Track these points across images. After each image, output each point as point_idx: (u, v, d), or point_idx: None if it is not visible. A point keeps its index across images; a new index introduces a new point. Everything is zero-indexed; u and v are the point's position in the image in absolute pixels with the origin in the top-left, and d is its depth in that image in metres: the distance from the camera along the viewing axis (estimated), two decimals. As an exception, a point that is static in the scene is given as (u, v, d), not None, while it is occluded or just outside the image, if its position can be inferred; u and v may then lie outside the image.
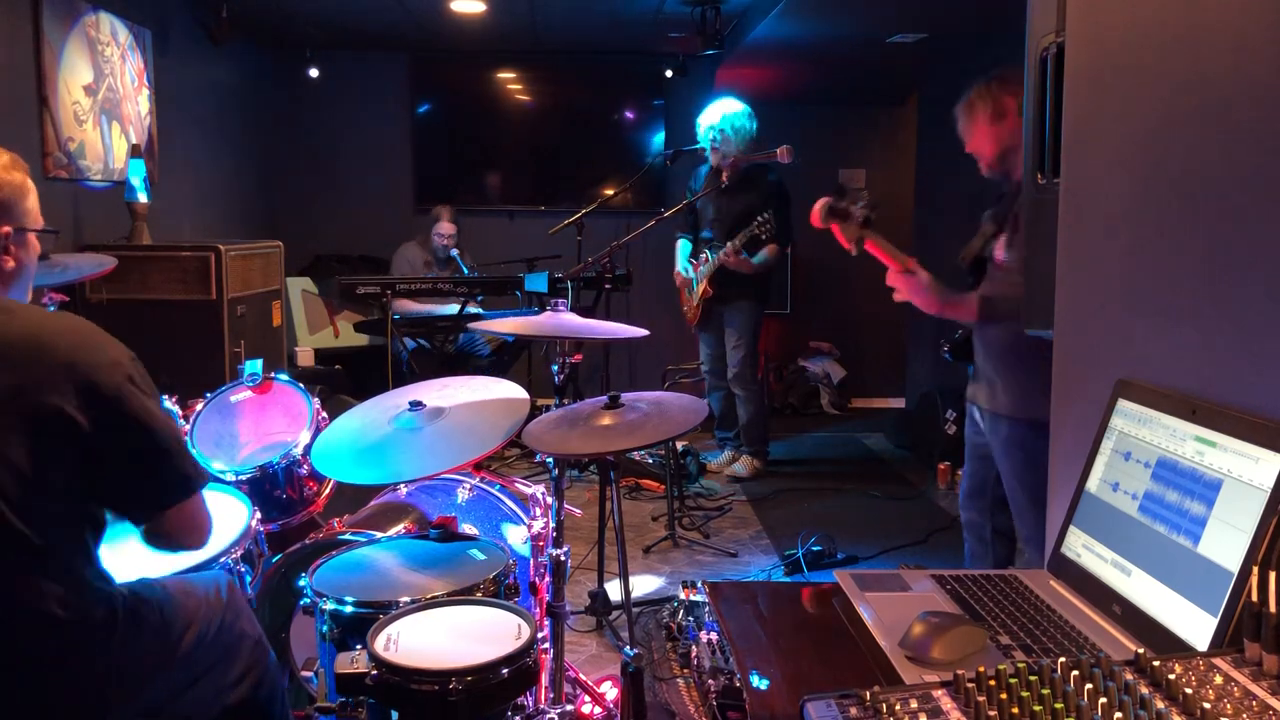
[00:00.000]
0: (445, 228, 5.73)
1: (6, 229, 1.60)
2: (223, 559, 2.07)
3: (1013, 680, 0.98)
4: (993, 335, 2.55)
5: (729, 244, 4.76)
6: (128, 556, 1.85)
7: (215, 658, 1.76)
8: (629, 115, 7.00)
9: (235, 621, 1.82)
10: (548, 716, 1.97)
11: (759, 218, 4.65)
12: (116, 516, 1.60)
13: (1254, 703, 0.95)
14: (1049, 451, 1.81)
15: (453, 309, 5.59)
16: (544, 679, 2.07)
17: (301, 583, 1.97)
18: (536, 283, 5.11)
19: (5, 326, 1.51)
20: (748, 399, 5.13)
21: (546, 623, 2.12)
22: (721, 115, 4.84)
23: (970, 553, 2.81)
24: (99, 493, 1.55)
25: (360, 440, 2.23)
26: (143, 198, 4.26)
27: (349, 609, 1.85)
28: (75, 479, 1.50)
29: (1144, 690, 0.97)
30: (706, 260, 4.94)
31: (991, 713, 0.94)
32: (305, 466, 2.56)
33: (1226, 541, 1.17)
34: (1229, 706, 0.94)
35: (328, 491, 2.65)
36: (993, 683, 0.98)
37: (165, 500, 1.60)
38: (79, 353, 1.50)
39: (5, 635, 1.46)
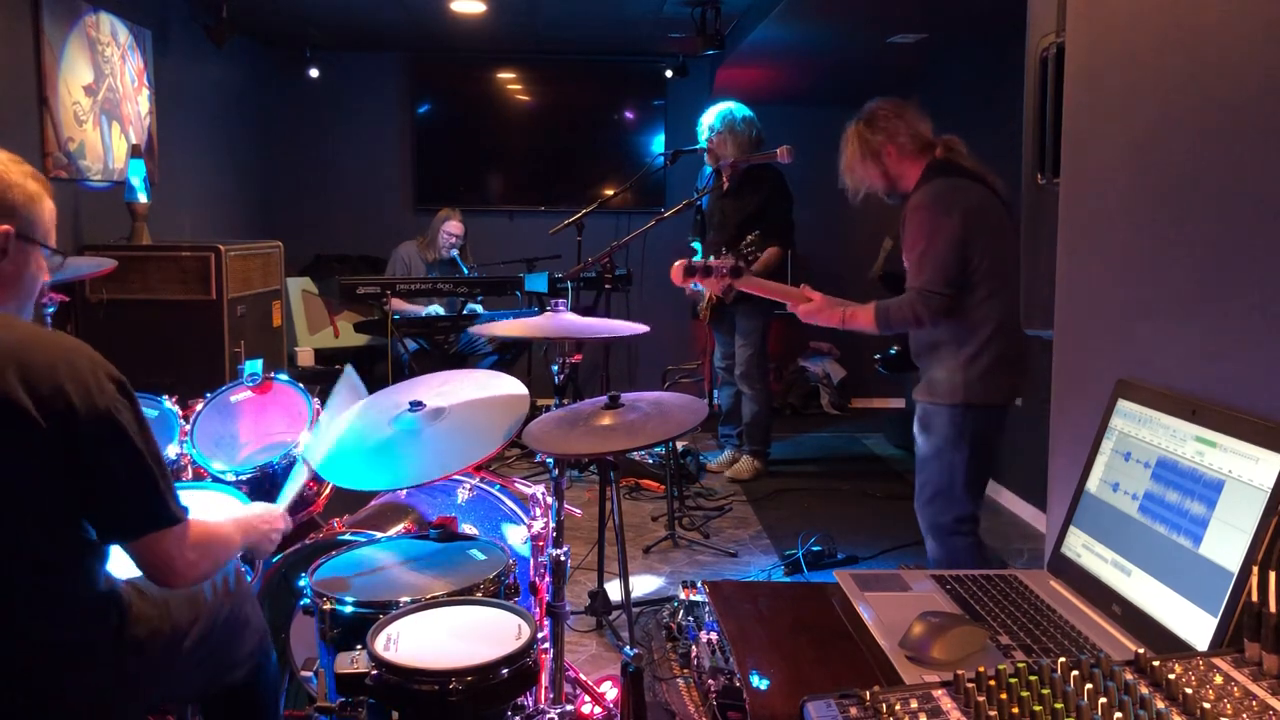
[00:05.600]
0: (454, 226, 5.69)
1: (7, 228, 1.52)
2: (223, 559, 2.07)
3: (1013, 680, 0.98)
4: (922, 337, 2.77)
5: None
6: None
7: (220, 643, 1.77)
8: (629, 115, 7.00)
9: (242, 610, 1.85)
10: (548, 716, 1.97)
11: (746, 239, 4.65)
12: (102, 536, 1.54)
13: (1254, 703, 0.95)
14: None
15: (437, 309, 5.58)
16: (544, 679, 2.07)
17: (301, 583, 1.97)
18: (536, 283, 5.11)
19: None
20: (753, 398, 5.14)
21: (546, 623, 2.12)
22: (717, 115, 4.83)
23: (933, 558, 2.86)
24: (86, 508, 1.50)
25: (362, 445, 2.22)
26: (143, 198, 4.26)
27: (349, 609, 1.85)
28: (60, 494, 1.45)
29: (1144, 690, 0.97)
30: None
31: (991, 713, 0.94)
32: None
33: (1226, 541, 1.17)
34: (1229, 706, 0.94)
35: (328, 492, 2.65)
36: (993, 683, 0.98)
37: (136, 528, 1.52)
38: (64, 370, 1.44)
39: (4, 652, 1.46)
